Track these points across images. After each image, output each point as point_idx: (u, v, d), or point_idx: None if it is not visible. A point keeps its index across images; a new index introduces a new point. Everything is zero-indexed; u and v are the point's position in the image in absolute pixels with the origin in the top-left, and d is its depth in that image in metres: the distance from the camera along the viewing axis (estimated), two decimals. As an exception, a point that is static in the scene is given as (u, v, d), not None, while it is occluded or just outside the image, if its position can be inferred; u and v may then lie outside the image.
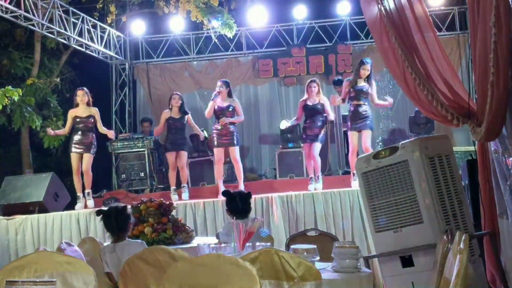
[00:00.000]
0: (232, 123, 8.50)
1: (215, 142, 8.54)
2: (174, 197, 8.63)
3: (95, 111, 8.57)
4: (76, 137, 8.44)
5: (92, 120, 8.51)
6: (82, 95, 8.45)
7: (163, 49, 12.47)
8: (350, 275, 3.71)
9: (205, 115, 8.88)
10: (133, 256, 3.77)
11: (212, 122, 8.97)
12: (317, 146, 8.47)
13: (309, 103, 8.60)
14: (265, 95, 12.20)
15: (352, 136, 8.10)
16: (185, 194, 8.72)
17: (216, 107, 8.47)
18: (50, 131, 8.88)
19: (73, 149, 8.42)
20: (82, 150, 8.41)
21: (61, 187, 8.97)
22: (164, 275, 3.12)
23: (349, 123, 8.17)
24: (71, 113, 8.55)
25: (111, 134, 8.78)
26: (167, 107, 8.94)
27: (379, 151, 4.84)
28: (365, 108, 8.06)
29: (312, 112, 8.58)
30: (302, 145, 9.16)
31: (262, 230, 4.68)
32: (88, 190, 8.56)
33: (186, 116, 8.86)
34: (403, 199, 4.56)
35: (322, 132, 8.59)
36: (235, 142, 8.48)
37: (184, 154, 8.85)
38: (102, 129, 8.66)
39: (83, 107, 8.48)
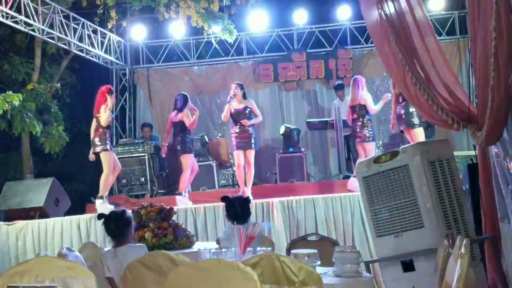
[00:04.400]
0: (251, 125, 8.45)
1: (235, 145, 8.46)
2: None
3: None
4: None
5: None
6: None
7: (163, 54, 12.50)
8: (351, 280, 3.71)
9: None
10: (134, 261, 3.77)
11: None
12: None
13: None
14: (265, 99, 12.21)
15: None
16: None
17: (232, 110, 8.43)
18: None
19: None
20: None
21: (61, 192, 8.97)
22: (165, 280, 3.12)
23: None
24: None
25: None
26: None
27: (380, 156, 4.84)
28: None
29: None
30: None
31: (264, 224, 4.67)
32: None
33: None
34: (404, 204, 4.56)
35: None
36: (252, 145, 8.42)
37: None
38: None
39: None
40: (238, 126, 8.42)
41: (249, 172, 8.51)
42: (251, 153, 8.43)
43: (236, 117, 8.43)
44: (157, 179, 10.47)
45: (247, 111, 8.44)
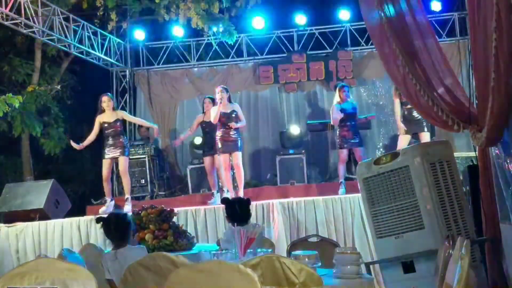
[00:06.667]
0: (236, 129, 8.44)
1: (220, 149, 8.45)
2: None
3: (121, 114, 8.66)
4: (107, 142, 8.42)
5: (119, 124, 8.46)
6: (107, 101, 8.41)
7: (163, 56, 12.48)
8: (351, 281, 3.70)
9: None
10: (134, 262, 3.77)
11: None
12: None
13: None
14: (265, 101, 12.18)
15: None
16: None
17: (220, 113, 8.44)
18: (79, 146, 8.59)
19: (106, 155, 8.40)
20: (115, 154, 8.38)
21: (62, 194, 8.95)
22: (165, 282, 3.12)
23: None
24: (99, 118, 8.47)
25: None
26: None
27: (380, 157, 4.85)
28: None
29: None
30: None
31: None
32: (127, 195, 8.52)
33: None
34: (404, 205, 4.56)
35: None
36: (238, 147, 8.43)
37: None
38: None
39: (109, 112, 8.45)
40: (223, 130, 8.41)
41: (238, 174, 8.50)
42: (238, 156, 8.43)
43: (224, 120, 8.41)
44: (157, 181, 10.47)
45: (233, 115, 8.44)
